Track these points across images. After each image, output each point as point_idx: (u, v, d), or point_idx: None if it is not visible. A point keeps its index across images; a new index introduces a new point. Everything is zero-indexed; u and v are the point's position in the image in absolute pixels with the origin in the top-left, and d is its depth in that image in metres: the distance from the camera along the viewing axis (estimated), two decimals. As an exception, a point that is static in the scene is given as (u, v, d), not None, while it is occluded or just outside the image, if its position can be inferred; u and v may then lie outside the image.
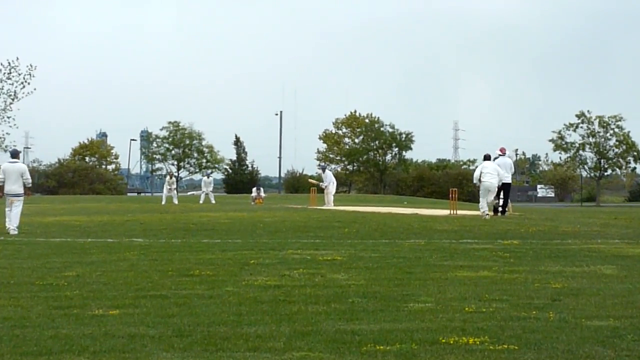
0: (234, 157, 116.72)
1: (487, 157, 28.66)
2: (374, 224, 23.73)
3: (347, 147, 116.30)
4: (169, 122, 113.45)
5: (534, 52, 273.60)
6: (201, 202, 51.27)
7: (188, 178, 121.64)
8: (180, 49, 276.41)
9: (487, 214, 27.42)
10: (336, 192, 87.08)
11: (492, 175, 27.93)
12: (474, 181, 28.34)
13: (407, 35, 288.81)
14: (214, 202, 51.22)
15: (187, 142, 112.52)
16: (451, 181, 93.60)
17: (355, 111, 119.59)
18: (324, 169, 43.99)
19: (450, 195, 33.09)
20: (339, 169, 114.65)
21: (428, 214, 31.50)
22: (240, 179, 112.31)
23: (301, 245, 16.89)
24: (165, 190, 50.70)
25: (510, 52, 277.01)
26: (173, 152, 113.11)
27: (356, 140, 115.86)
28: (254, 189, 52.44)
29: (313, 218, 26.44)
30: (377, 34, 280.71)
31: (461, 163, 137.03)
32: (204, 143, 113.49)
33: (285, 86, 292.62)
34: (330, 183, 41.51)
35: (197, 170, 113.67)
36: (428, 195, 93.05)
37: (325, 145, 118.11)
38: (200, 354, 7.16)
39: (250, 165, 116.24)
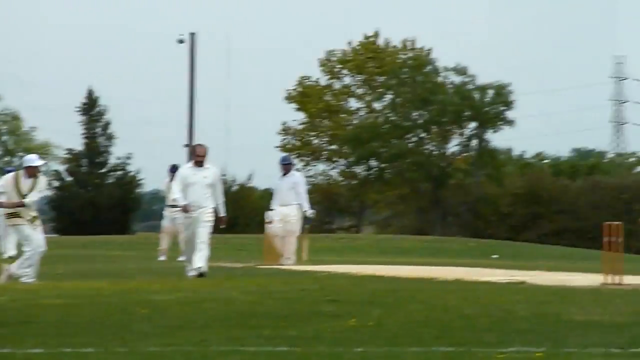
0: (80, 144, 55.13)
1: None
2: (419, 306, 10.49)
3: (351, 117, 58.31)
4: None
5: None
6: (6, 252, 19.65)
7: None
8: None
9: None
10: (335, 229, 54.71)
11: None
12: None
13: None
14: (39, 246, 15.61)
15: None
16: (608, 204, 51.06)
17: (375, 34, 58.02)
18: (287, 163, 20.79)
19: (607, 238, 14.63)
20: (332, 172, 59.56)
21: (549, 282, 14.95)
22: (90, 196, 52.75)
23: None
24: None
25: None
26: None
27: (376, 105, 57.90)
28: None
29: (274, 292, 12.57)
30: None
31: (631, 158, 73.95)
32: None
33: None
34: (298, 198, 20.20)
35: None
36: (550, 238, 49.25)
37: (300, 116, 57.94)
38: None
39: (119, 165, 55.62)
